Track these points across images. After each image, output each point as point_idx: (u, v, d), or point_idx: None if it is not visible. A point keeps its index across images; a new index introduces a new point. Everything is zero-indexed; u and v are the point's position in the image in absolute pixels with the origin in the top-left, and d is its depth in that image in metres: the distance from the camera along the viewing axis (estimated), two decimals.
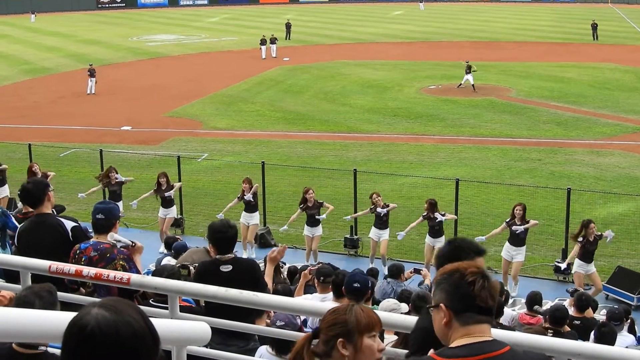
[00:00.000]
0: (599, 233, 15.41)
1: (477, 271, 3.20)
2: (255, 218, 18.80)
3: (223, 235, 6.84)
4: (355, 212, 19.38)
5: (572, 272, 15.92)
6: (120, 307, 2.30)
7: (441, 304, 3.21)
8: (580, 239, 15.22)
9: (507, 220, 16.39)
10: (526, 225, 16.13)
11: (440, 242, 17.22)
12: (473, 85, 39.97)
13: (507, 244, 16.46)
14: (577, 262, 15.58)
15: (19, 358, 4.34)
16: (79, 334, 2.24)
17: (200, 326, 3.82)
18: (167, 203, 19.44)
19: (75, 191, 22.40)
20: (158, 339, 2.34)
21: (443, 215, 17.11)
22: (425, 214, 17.12)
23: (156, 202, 20.85)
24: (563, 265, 16.43)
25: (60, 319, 2.84)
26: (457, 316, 3.17)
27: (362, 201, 19.48)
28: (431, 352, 3.25)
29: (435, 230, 17.17)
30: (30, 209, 9.29)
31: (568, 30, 66.54)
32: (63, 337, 2.29)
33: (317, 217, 17.88)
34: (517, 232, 16.07)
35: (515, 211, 16.18)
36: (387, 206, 17.72)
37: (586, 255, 15.35)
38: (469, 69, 40.00)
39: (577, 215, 19.23)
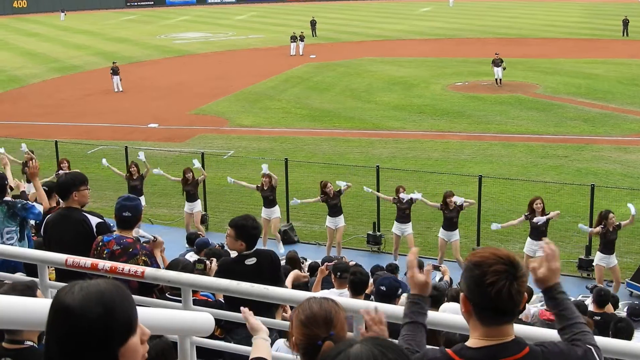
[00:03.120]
0: (618, 223, 15.37)
1: (502, 270, 3.02)
2: (276, 212, 18.88)
3: (253, 231, 7.05)
4: (379, 209, 19.41)
5: (594, 264, 15.84)
6: (102, 285, 2.35)
7: (462, 293, 3.16)
8: (602, 225, 15.22)
9: (526, 214, 16.29)
10: (548, 216, 16.02)
11: (456, 236, 17.17)
12: (501, 79, 39.80)
13: (528, 239, 16.38)
14: (598, 254, 15.57)
15: (4, 354, 4.41)
16: (54, 310, 2.32)
17: (204, 317, 3.87)
18: (191, 197, 19.58)
19: (102, 189, 22.65)
20: (132, 323, 2.36)
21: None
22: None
23: (182, 199, 21.02)
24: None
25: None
26: (476, 311, 3.09)
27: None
28: (448, 349, 3.18)
29: (453, 222, 17.09)
30: (54, 204, 9.45)
31: (596, 26, 65.88)
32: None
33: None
34: (539, 223, 15.97)
35: (534, 205, 16.07)
36: (411, 200, 17.65)
37: (607, 246, 15.35)
38: (500, 62, 39.68)
39: None
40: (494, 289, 2.99)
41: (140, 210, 7.00)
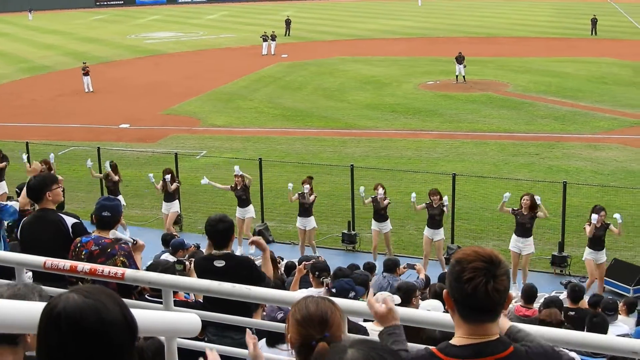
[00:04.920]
0: (608, 223, 15.42)
1: (480, 267, 3.03)
2: (249, 212, 18.88)
3: (212, 229, 6.91)
4: (353, 207, 19.45)
5: (583, 258, 15.89)
6: (94, 292, 2.33)
7: (445, 290, 3.18)
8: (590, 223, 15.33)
9: (515, 208, 16.23)
10: (540, 213, 15.99)
11: (440, 235, 17.24)
12: (464, 76, 40.39)
13: (514, 236, 16.27)
14: (586, 249, 15.65)
15: None
16: (48, 316, 2.30)
17: (190, 317, 3.87)
18: (169, 197, 19.48)
19: (74, 190, 22.50)
20: (135, 329, 2.37)
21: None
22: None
23: (155, 200, 20.93)
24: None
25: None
26: (458, 308, 3.11)
27: (359, 196, 19.52)
28: (433, 347, 3.19)
29: (436, 220, 17.14)
30: (29, 208, 9.38)
31: (566, 25, 66.55)
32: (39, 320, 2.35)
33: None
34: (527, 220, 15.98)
35: (522, 201, 16.02)
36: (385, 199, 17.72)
37: (594, 241, 15.42)
38: (462, 59, 40.33)
39: (574, 209, 19.30)
40: (470, 286, 3.00)
41: (119, 211, 6.99)
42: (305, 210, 18.16)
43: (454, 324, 3.19)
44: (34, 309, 2.83)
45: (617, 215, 15.45)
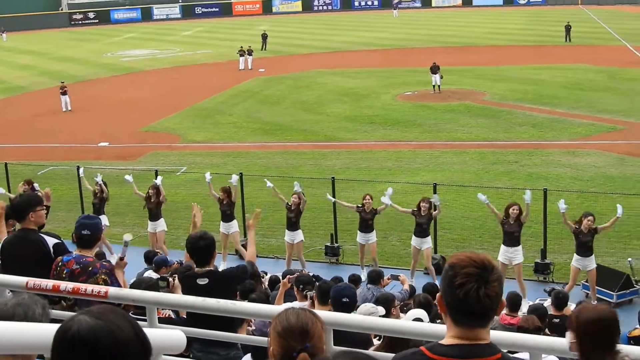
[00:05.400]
0: (595, 227, 15.37)
1: (472, 273, 3.05)
2: (233, 226, 18.81)
3: (192, 246, 6.88)
4: (335, 220, 19.43)
5: (571, 265, 15.81)
6: (106, 314, 2.34)
7: (438, 294, 3.20)
8: (576, 226, 15.35)
9: (503, 218, 16.10)
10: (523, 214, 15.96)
11: (428, 243, 17.15)
12: (439, 86, 40.64)
13: (502, 247, 16.08)
14: (574, 256, 15.59)
15: None
16: (61, 340, 2.30)
17: (175, 334, 3.83)
18: (154, 216, 19.35)
19: (55, 209, 22.23)
20: (149, 349, 2.37)
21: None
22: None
23: (137, 218, 20.80)
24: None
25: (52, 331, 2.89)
26: (450, 311, 3.13)
27: (341, 209, 19.51)
28: (422, 346, 3.22)
29: (423, 229, 17.06)
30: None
31: (540, 32, 67.08)
32: (52, 345, 2.35)
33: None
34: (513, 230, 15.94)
35: (510, 210, 15.91)
36: (375, 211, 17.66)
37: (581, 247, 15.40)
38: (437, 69, 40.60)
39: (555, 215, 19.33)
40: (462, 291, 3.03)
41: (99, 229, 6.96)
42: (292, 223, 18.10)
43: (446, 326, 3.21)
44: (46, 330, 2.81)
45: (618, 206, 15.50)
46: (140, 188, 20.03)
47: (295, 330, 3.33)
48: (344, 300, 7.23)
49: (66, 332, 2.29)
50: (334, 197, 19.30)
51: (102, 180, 19.75)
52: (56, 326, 2.36)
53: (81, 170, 20.56)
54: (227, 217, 18.76)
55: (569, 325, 4.05)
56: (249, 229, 8.33)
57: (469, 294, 3.02)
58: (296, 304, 8.82)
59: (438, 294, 3.20)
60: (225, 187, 18.78)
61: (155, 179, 20.47)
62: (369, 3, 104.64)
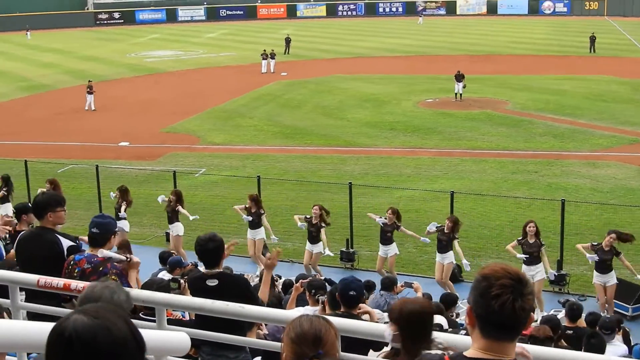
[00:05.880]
0: (618, 250, 15.16)
1: (508, 284, 3.02)
2: (260, 233, 18.81)
3: (202, 248, 6.89)
4: (351, 225, 19.40)
5: (593, 282, 15.73)
6: (101, 312, 2.34)
7: (468, 305, 3.16)
8: (595, 243, 15.25)
9: (519, 239, 15.88)
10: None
11: (450, 258, 16.95)
12: (461, 94, 40.54)
13: (523, 266, 15.68)
14: (594, 272, 15.49)
15: None
16: (57, 339, 2.30)
17: (179, 336, 3.85)
18: (171, 220, 19.36)
19: (73, 207, 22.41)
20: (143, 347, 2.38)
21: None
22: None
23: (153, 218, 20.92)
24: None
25: (45, 329, 2.89)
26: (480, 323, 3.09)
27: (357, 214, 19.52)
28: (446, 355, 3.22)
29: (444, 245, 16.87)
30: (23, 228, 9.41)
31: (564, 43, 66.76)
32: (46, 342, 2.34)
33: (313, 234, 17.84)
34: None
35: (527, 228, 15.69)
36: (395, 224, 17.52)
37: (600, 265, 15.27)
38: (462, 78, 40.48)
39: (573, 226, 19.29)
40: (497, 302, 3.00)
41: (110, 230, 6.90)
42: (313, 237, 18.02)
43: (472, 339, 3.18)
44: (39, 329, 2.82)
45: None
46: (157, 188, 20.13)
47: (309, 336, 3.35)
48: (351, 293, 7.19)
49: (62, 331, 2.28)
50: (351, 203, 19.28)
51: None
52: (39, 324, 2.36)
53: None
54: (255, 224, 18.75)
55: (391, 317, 4.32)
56: (267, 268, 7.67)
57: (504, 306, 2.99)
58: (308, 308, 8.83)
59: (468, 306, 3.16)
60: (253, 195, 18.66)
61: (174, 180, 20.59)
62: (394, 9, 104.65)
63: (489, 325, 3.07)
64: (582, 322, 10.98)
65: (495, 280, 3.03)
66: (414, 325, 4.18)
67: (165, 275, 11.37)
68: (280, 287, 12.90)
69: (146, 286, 6.73)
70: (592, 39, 60.68)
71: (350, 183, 20.28)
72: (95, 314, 2.32)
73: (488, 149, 30.48)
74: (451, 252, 16.91)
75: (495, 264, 3.16)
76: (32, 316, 6.09)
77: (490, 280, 3.04)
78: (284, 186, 24.63)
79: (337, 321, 3.82)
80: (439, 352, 3.29)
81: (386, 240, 17.64)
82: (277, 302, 9.41)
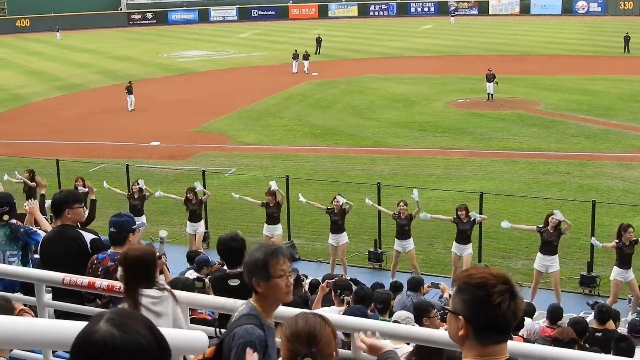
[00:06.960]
0: (635, 238, 15.25)
1: (504, 290, 3.00)
2: (278, 229, 18.88)
3: (224, 247, 6.91)
4: (380, 226, 19.39)
5: (610, 278, 15.65)
6: (128, 323, 2.36)
7: (460, 317, 3.06)
8: (617, 241, 15.16)
9: (540, 226, 16.06)
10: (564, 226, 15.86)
11: (468, 250, 17.07)
12: (492, 95, 40.27)
13: (539, 254, 16.10)
14: (615, 269, 15.44)
15: None
16: (85, 344, 2.32)
17: (197, 335, 3.86)
18: (195, 217, 19.57)
19: (103, 207, 22.58)
20: (168, 351, 2.40)
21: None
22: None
23: (184, 217, 21.01)
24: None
25: (69, 328, 2.92)
26: (477, 333, 3.04)
27: (386, 214, 19.46)
28: None
29: (467, 235, 17.00)
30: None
31: (597, 43, 66.05)
32: (71, 350, 2.36)
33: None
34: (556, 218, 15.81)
35: (550, 219, 15.81)
36: (411, 217, 17.62)
37: (623, 260, 15.23)
38: (492, 77, 40.21)
39: (605, 228, 19.07)
40: (501, 310, 2.98)
41: (127, 228, 6.93)
42: (337, 227, 18.10)
43: (464, 348, 3.12)
44: (65, 328, 2.84)
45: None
46: (186, 188, 20.26)
47: (302, 334, 3.35)
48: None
49: (91, 344, 2.30)
50: (379, 204, 19.30)
51: (143, 184, 20.21)
52: (64, 323, 2.38)
53: (105, 184, 21.30)
54: (274, 219, 18.83)
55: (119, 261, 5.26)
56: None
57: (508, 311, 2.99)
58: (333, 308, 8.84)
59: (460, 317, 3.06)
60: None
61: (202, 180, 20.74)
62: (425, 9, 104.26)
63: (489, 332, 3.03)
64: (610, 325, 10.86)
65: (491, 288, 2.99)
66: (134, 268, 4.95)
67: (192, 274, 11.44)
68: (307, 287, 12.90)
69: (171, 285, 6.76)
70: (627, 39, 59.97)
71: (378, 183, 20.26)
72: (122, 323, 2.33)
73: (519, 150, 30.26)
74: (470, 245, 17.07)
75: (477, 269, 3.11)
76: (59, 315, 6.16)
77: (487, 289, 3.00)
78: (313, 186, 24.62)
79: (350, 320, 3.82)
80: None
81: (404, 234, 17.65)
82: (303, 302, 9.42)
